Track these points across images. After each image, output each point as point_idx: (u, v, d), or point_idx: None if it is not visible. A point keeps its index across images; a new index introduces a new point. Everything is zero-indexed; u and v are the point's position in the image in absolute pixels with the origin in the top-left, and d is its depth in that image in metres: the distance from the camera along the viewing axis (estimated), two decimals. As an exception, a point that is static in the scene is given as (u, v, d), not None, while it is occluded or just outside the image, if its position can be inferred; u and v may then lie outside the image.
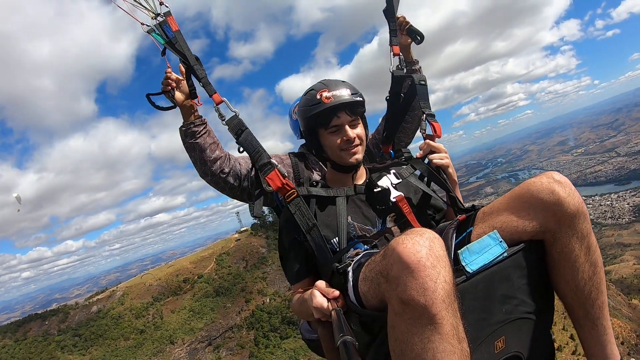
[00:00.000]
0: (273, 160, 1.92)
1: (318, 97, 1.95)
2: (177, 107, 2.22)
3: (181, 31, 2.08)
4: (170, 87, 2.14)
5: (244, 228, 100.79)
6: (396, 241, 1.21)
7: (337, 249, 1.81)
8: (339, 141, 1.97)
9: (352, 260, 1.62)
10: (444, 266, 1.16)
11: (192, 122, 2.21)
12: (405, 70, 2.48)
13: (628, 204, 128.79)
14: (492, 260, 1.37)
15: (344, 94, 1.95)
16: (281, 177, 1.88)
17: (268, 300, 71.55)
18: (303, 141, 2.62)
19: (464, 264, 1.34)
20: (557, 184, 1.45)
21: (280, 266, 2.05)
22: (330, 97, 1.93)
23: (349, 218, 1.91)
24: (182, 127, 2.22)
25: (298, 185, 2.01)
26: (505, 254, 1.39)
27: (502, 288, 1.39)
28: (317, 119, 1.97)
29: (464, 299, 1.24)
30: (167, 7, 2.06)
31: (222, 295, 75.14)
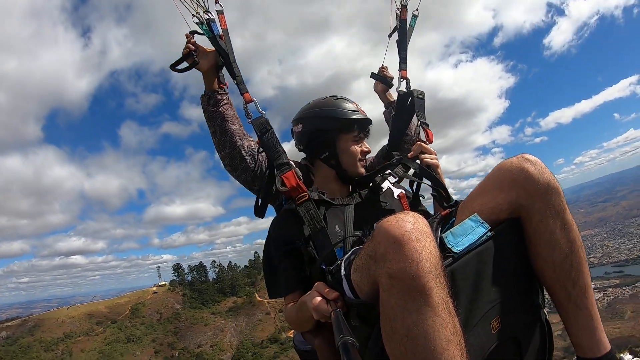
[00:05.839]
0: (291, 162, 1.93)
1: (353, 107, 2.09)
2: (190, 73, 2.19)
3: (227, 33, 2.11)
4: (189, 50, 2.11)
5: (163, 283, 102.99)
6: (381, 221, 1.21)
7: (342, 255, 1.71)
8: (359, 150, 2.12)
9: (343, 259, 1.56)
10: (429, 240, 1.14)
11: (216, 90, 2.19)
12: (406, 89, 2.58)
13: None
14: (477, 240, 1.36)
15: None
16: (297, 178, 1.87)
17: (177, 354, 73.42)
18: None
19: (449, 246, 1.33)
20: (527, 162, 1.45)
21: (264, 281, 2.04)
22: (364, 111, 2.10)
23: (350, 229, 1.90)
24: (204, 94, 2.19)
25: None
26: (489, 234, 1.39)
27: (490, 267, 1.37)
28: (348, 122, 2.07)
29: (454, 281, 1.23)
30: (221, 6, 2.11)
31: (132, 343, 75.88)
